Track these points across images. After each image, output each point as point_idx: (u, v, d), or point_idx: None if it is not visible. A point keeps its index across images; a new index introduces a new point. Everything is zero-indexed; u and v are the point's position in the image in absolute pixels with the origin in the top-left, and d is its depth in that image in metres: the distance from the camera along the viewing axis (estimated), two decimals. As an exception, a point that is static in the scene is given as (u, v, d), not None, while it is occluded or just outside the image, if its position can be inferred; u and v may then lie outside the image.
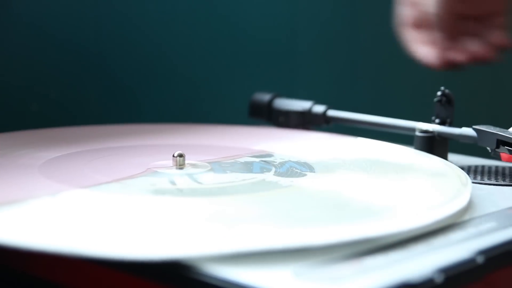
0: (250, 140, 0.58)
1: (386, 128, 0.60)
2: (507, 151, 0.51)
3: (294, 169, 0.48)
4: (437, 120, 0.57)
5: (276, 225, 0.37)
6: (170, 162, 0.48)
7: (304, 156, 0.52)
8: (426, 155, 0.53)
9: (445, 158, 0.57)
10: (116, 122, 0.70)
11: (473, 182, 0.50)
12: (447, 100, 0.57)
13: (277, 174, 0.47)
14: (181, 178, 0.46)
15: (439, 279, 0.33)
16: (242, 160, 0.51)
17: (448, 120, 0.57)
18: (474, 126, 0.54)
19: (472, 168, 0.54)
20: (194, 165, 0.49)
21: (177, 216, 0.38)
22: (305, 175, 0.47)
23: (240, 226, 0.36)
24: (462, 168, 0.54)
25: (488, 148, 0.53)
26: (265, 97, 0.67)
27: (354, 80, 0.95)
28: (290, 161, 0.51)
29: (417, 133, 0.57)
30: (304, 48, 0.90)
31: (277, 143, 0.57)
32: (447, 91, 0.57)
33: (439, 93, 0.57)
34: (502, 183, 0.50)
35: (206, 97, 0.83)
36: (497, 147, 0.52)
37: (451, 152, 0.60)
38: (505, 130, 0.52)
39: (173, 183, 0.44)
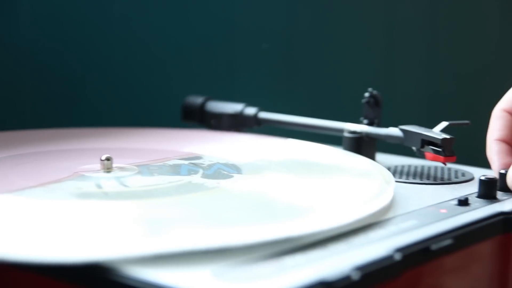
0: (181, 143, 0.58)
1: (316, 129, 0.60)
2: (431, 151, 0.52)
3: (222, 171, 0.49)
4: (365, 121, 0.58)
5: (198, 227, 0.37)
6: (98, 166, 0.48)
7: (233, 158, 0.53)
8: (353, 155, 0.54)
9: (373, 158, 0.57)
10: (49, 127, 0.70)
11: (398, 182, 0.51)
12: (374, 101, 0.58)
13: (204, 176, 0.47)
14: (107, 182, 0.46)
15: (355, 276, 0.34)
16: (171, 163, 0.51)
17: (376, 121, 0.58)
18: (400, 126, 0.55)
19: (399, 168, 0.55)
20: (122, 169, 0.49)
21: (100, 219, 0.38)
22: (232, 176, 0.47)
23: (161, 228, 0.37)
24: (389, 167, 0.55)
25: (414, 148, 0.54)
26: (197, 100, 0.67)
27: (291, 83, 0.96)
28: (218, 163, 0.51)
29: (345, 134, 0.57)
30: (241, 51, 0.91)
31: (207, 146, 0.57)
32: (375, 92, 0.58)
33: (366, 94, 0.58)
34: (426, 182, 0.51)
35: (142, 101, 0.83)
36: (422, 146, 0.53)
37: (382, 152, 0.61)
38: (429, 130, 0.53)
39: (99, 186, 0.44)
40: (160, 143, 0.58)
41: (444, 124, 0.54)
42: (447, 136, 0.51)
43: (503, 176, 0.50)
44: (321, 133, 0.60)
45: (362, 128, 0.57)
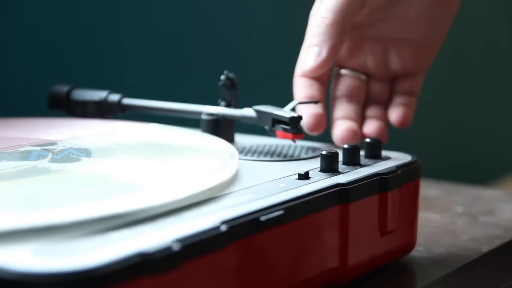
0: (40, 131, 0.58)
1: (176, 113, 0.61)
2: (281, 129, 0.53)
3: (72, 155, 0.49)
4: (222, 103, 0.59)
5: (25, 208, 0.37)
6: None
7: (87, 143, 0.53)
8: (206, 136, 0.55)
9: (231, 138, 0.59)
10: None
11: (248, 160, 0.52)
12: (231, 83, 0.59)
13: (52, 160, 0.48)
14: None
15: (175, 247, 0.35)
16: (23, 149, 0.51)
17: (233, 102, 0.59)
18: (254, 107, 0.56)
19: (253, 147, 0.57)
20: (-33, 156, 0.49)
21: None
22: (79, 160, 0.48)
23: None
24: (244, 147, 0.56)
25: (266, 127, 0.55)
26: (63, 88, 0.67)
27: (180, 74, 0.97)
28: (71, 148, 0.51)
29: (202, 117, 0.58)
30: (128, 44, 0.91)
31: (65, 132, 0.57)
32: (230, 75, 0.59)
33: (222, 77, 0.59)
34: (276, 159, 0.53)
35: (11, 90, 0.82)
36: (273, 125, 0.54)
37: (248, 133, 0.62)
38: (280, 109, 0.55)
39: None
40: (18, 132, 0.58)
41: (294, 103, 0.56)
42: (295, 115, 0.53)
43: (368, 144, 0.53)
44: (183, 116, 0.61)
45: (219, 110, 0.58)
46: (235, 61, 1.01)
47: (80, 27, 0.88)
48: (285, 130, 0.53)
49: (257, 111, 0.56)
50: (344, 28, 0.56)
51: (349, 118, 0.60)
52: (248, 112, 0.57)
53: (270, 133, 0.55)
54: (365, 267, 0.49)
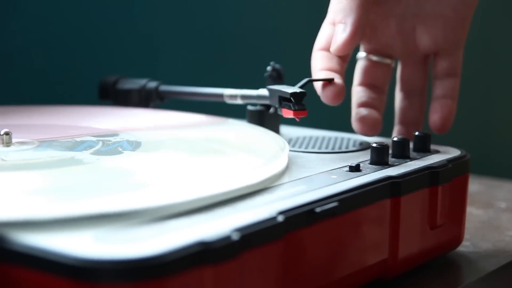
0: (114, 120, 0.58)
1: (206, 97, 0.61)
2: (287, 107, 0.52)
3: (120, 148, 0.48)
4: (267, 94, 0.59)
5: (79, 196, 0.38)
6: (-1, 140, 0.48)
7: (146, 136, 0.52)
8: (254, 127, 0.55)
9: (277, 129, 0.58)
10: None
11: (296, 151, 0.52)
12: (277, 74, 0.59)
13: (95, 152, 0.46)
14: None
15: (235, 237, 0.35)
16: (79, 139, 0.50)
17: (279, 94, 0.59)
18: (268, 86, 0.55)
19: (300, 139, 0.56)
20: (22, 143, 0.49)
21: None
22: (121, 153, 0.47)
23: (42, 195, 0.37)
24: (291, 139, 0.56)
25: (276, 106, 0.54)
26: (110, 79, 0.67)
27: (217, 62, 0.97)
28: (127, 140, 0.50)
29: (248, 107, 0.58)
30: (164, 34, 0.91)
31: (134, 123, 0.56)
32: (277, 66, 0.59)
33: (269, 68, 0.59)
34: (325, 151, 0.52)
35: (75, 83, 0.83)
36: (280, 103, 0.53)
37: (294, 125, 0.61)
38: (289, 86, 0.53)
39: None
40: (86, 121, 0.58)
41: (304, 80, 0.54)
42: (297, 90, 0.51)
43: (417, 137, 0.52)
44: (212, 100, 0.60)
45: (237, 92, 0.58)
46: (276, 52, 1.01)
47: (120, 19, 0.88)
48: (288, 107, 0.52)
49: (269, 90, 0.55)
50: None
51: (370, 106, 0.57)
52: (262, 92, 0.56)
53: (279, 112, 0.53)
54: (414, 260, 0.49)
